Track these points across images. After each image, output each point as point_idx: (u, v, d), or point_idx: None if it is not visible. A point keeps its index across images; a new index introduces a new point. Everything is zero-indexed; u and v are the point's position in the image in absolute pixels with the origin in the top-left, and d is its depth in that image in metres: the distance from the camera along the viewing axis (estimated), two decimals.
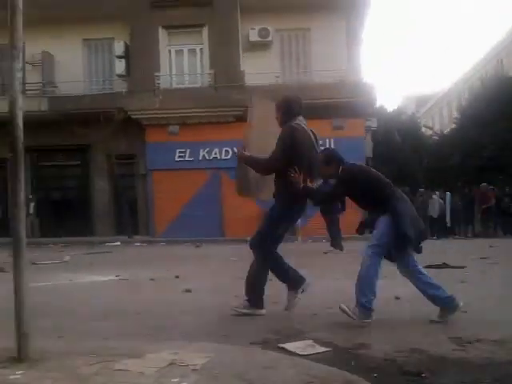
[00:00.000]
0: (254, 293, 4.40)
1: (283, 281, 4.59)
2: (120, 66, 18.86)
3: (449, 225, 18.74)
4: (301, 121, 4.45)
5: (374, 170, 4.40)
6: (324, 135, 17.85)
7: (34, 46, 16.89)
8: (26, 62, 16.88)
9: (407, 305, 4.54)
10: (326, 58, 18.13)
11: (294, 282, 4.52)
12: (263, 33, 18.65)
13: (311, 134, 4.48)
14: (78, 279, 7.29)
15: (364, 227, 4.54)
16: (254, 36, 18.68)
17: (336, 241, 11.85)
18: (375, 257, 4.04)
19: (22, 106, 3.00)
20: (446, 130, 31.60)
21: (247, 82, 17.93)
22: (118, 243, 15.48)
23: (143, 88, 17.80)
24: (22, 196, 3.03)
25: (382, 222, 4.07)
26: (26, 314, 2.94)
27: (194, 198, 17.77)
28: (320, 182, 4.64)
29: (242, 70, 18.29)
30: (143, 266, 8.73)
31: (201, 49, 19.08)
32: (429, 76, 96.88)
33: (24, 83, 15.78)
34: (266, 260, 4.43)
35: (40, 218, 18.21)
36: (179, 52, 19.19)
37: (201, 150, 17.93)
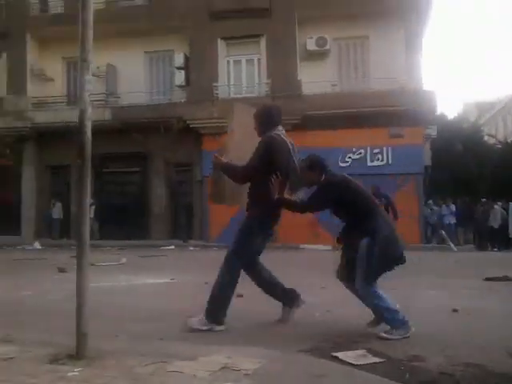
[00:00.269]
0: (215, 306, 4.20)
1: (273, 296, 4.43)
2: (180, 77, 19.28)
3: (511, 236, 17.96)
4: (280, 131, 4.32)
5: (358, 184, 4.23)
6: (381, 143, 17.59)
7: (98, 59, 17.62)
8: (92, 74, 17.61)
9: (466, 317, 4.39)
10: (384, 66, 17.88)
11: (285, 298, 4.38)
12: (321, 42, 18.60)
13: (290, 144, 4.32)
14: (133, 281, 7.49)
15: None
16: (311, 45, 18.66)
17: None
18: (371, 288, 3.96)
19: (91, 117, 3.10)
20: (511, 139, 30.40)
21: (304, 91, 17.95)
22: (173, 247, 15.77)
23: (202, 98, 18.13)
24: (86, 201, 3.12)
25: (363, 255, 3.95)
26: (86, 314, 3.04)
27: None
28: (301, 193, 4.40)
29: (299, 79, 18.30)
30: (197, 270, 8.84)
31: (258, 59, 19.22)
32: (491, 81, 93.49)
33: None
34: (234, 274, 4.22)
35: (100, 221, 18.75)
36: (237, 62, 19.42)
37: None
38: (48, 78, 20.66)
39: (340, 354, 3.36)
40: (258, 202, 4.22)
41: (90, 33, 3.09)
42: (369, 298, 3.98)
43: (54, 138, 18.99)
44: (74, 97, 19.68)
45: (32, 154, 20.22)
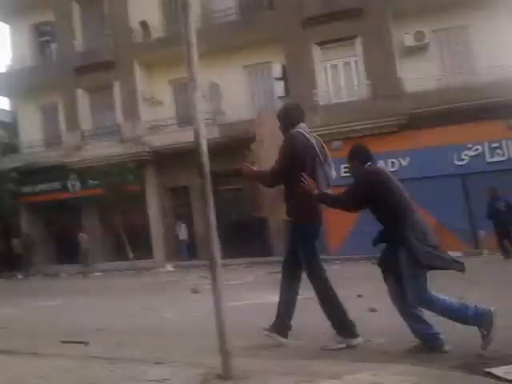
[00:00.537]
0: (337, 321, 4.20)
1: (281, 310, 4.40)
2: (279, 88, 19.55)
3: None
4: (302, 128, 4.35)
5: (397, 183, 4.04)
6: (500, 137, 16.61)
7: (200, 77, 18.14)
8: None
9: None
10: (489, 54, 16.96)
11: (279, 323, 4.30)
12: (419, 36, 18.01)
13: (314, 141, 4.31)
14: (264, 299, 7.55)
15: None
16: (409, 41, 18.13)
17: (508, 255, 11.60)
18: (429, 300, 3.80)
19: (205, 135, 3.21)
20: None
21: (407, 89, 17.49)
22: None
23: (303, 107, 18.22)
24: (212, 219, 3.21)
25: (404, 270, 3.82)
26: (227, 334, 3.13)
27: (366, 213, 17.04)
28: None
29: (399, 77, 17.85)
30: None
31: (355, 61, 18.94)
32: None
33: None
34: (325, 285, 4.25)
35: (221, 240, 19.12)
36: (334, 66, 19.24)
37: None
38: (157, 102, 21.80)
39: (495, 370, 3.20)
40: (295, 206, 4.26)
41: (195, 52, 3.22)
42: (431, 307, 3.83)
43: (170, 161, 20.13)
44: (182, 118, 20.72)
45: (152, 177, 21.38)
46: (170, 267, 18.09)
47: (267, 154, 4.54)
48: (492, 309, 3.68)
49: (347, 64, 19.18)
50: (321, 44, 19.12)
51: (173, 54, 18.66)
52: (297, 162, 4.15)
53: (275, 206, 4.57)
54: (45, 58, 24.47)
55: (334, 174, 4.42)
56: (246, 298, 7.79)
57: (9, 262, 23.25)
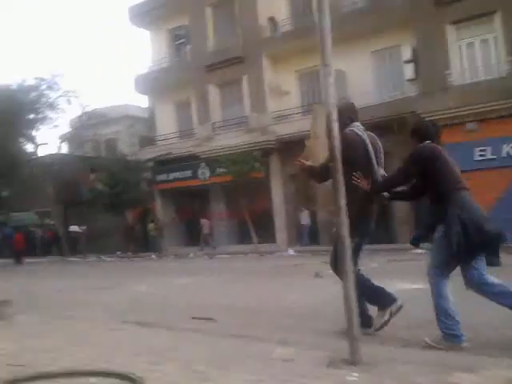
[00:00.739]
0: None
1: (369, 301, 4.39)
2: (409, 71, 18.89)
3: None
4: (355, 127, 4.36)
5: (450, 160, 3.85)
6: None
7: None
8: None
9: None
10: None
11: (380, 301, 4.29)
12: None
13: (368, 140, 4.27)
14: (388, 286, 7.38)
15: (418, 240, 4.19)
16: None
17: None
18: (436, 277, 3.77)
19: (336, 119, 3.20)
20: None
21: None
22: (421, 251, 15.22)
23: (435, 88, 17.34)
24: (342, 202, 3.17)
25: (436, 239, 3.80)
26: (356, 319, 3.12)
27: (502, 200, 15.99)
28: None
29: None
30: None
31: (494, 37, 17.50)
32: None
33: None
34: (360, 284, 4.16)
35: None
36: (470, 45, 17.98)
37: (504, 146, 16.28)
38: (284, 92, 22.17)
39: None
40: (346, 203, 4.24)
41: (329, 38, 3.20)
42: (430, 283, 3.79)
43: (294, 148, 20.09)
44: (307, 107, 20.83)
45: (277, 164, 21.92)
46: (291, 251, 18.44)
47: (322, 150, 4.48)
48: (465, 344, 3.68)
49: (485, 41, 17.84)
50: (455, 23, 17.96)
51: (299, 45, 18.87)
52: (348, 160, 4.11)
53: (328, 198, 4.66)
54: (180, 59, 26.07)
55: (382, 172, 4.39)
56: None
57: (145, 243, 25.64)
